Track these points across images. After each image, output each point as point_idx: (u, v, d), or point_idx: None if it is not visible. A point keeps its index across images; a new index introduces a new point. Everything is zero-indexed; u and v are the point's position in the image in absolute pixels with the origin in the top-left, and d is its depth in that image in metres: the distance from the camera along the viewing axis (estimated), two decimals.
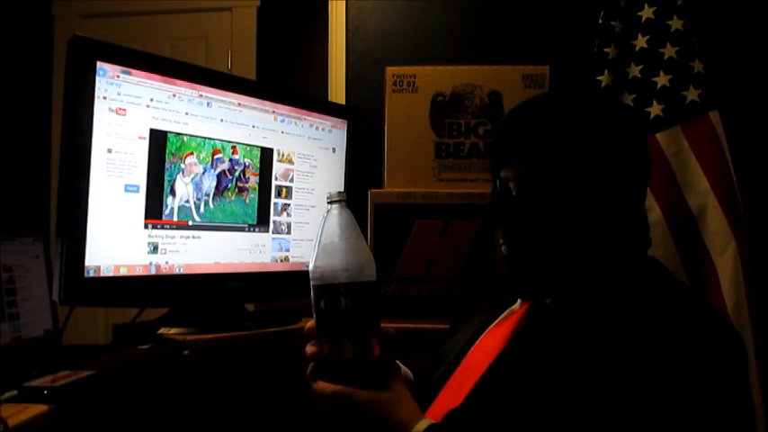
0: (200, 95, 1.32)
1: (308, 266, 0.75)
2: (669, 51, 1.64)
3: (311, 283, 0.74)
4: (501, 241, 0.83)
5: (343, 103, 2.05)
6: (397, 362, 0.86)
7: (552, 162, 0.76)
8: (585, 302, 0.74)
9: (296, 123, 1.51)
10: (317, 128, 1.57)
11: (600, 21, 1.72)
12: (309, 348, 0.75)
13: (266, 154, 1.45)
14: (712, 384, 0.63)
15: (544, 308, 0.79)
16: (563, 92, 0.89)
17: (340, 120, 1.63)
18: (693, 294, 0.78)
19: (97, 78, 1.15)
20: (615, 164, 0.76)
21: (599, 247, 0.77)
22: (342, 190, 0.75)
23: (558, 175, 0.76)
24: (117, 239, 1.19)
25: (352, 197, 1.68)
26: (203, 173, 1.32)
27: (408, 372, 0.94)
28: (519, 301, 0.87)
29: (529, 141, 0.79)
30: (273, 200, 1.47)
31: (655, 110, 1.63)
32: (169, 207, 1.27)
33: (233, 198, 1.38)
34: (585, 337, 0.68)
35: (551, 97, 0.93)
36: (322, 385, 0.71)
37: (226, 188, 1.37)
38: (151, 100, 1.24)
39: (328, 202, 0.75)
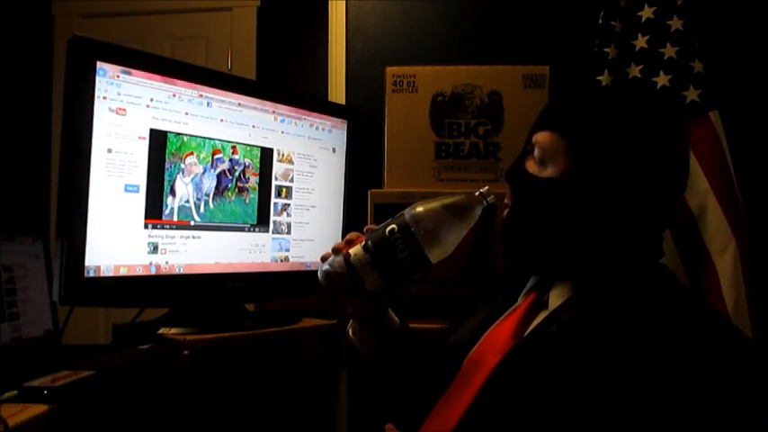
0: (200, 95, 1.32)
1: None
2: (669, 51, 1.64)
3: (405, 211, 0.80)
4: (506, 201, 0.83)
5: (343, 103, 2.05)
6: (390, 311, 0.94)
7: (583, 141, 0.75)
8: (593, 310, 0.72)
9: (296, 123, 1.51)
10: (317, 128, 1.57)
11: (600, 21, 1.71)
12: (354, 235, 0.83)
13: (266, 154, 1.45)
14: (725, 396, 0.63)
15: (552, 314, 0.77)
16: (621, 89, 0.89)
17: (340, 120, 1.63)
18: (706, 304, 0.76)
19: (97, 78, 1.15)
20: (647, 169, 0.74)
21: (601, 239, 0.76)
22: (486, 191, 0.81)
23: (583, 155, 0.75)
24: (117, 239, 1.19)
25: (352, 197, 1.70)
26: (203, 173, 1.32)
27: (396, 320, 0.96)
28: (522, 295, 0.86)
29: (569, 113, 0.79)
30: (273, 200, 1.47)
31: None
32: (169, 207, 1.27)
33: (233, 198, 1.38)
34: (595, 355, 0.67)
35: (610, 88, 0.93)
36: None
37: (226, 188, 1.37)
38: (151, 100, 1.24)
39: (477, 193, 0.80)
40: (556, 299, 0.78)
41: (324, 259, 0.84)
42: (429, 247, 0.77)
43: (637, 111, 0.78)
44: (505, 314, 0.85)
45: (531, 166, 0.81)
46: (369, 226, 0.84)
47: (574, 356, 0.68)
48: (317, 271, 0.85)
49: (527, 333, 0.77)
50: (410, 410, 0.85)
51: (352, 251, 0.80)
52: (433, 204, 0.78)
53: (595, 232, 0.76)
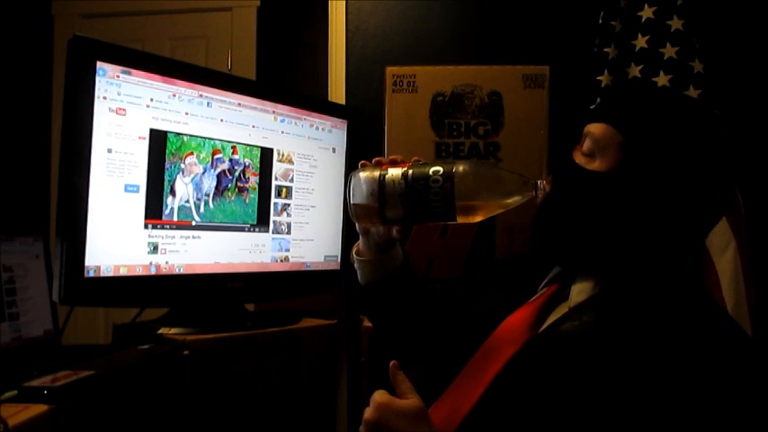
0: (201, 95, 1.32)
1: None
2: (669, 51, 1.64)
3: (457, 161, 0.79)
4: (544, 183, 0.80)
5: (343, 103, 2.05)
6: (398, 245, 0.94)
7: (642, 141, 0.73)
8: (614, 317, 0.71)
9: (296, 123, 1.51)
10: (316, 128, 1.57)
11: (600, 21, 1.72)
12: (399, 158, 0.82)
13: (266, 154, 1.45)
14: (742, 409, 0.63)
15: (572, 310, 0.76)
16: (678, 93, 0.86)
17: (340, 120, 1.63)
18: (731, 323, 0.75)
19: (97, 78, 1.15)
20: (699, 179, 0.73)
21: (637, 241, 0.74)
22: (542, 184, 0.79)
23: (638, 155, 0.73)
24: (117, 239, 1.19)
25: None
26: (203, 173, 1.32)
27: (401, 257, 0.95)
28: (542, 285, 0.85)
29: (630, 110, 0.77)
30: (273, 200, 1.47)
31: None
32: (169, 207, 1.27)
33: (233, 198, 1.38)
34: (611, 363, 0.67)
35: (668, 89, 0.91)
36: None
37: (226, 188, 1.37)
38: (151, 100, 1.24)
39: (533, 181, 0.78)
40: (577, 294, 0.77)
41: (362, 166, 0.84)
42: (461, 206, 0.76)
43: (697, 119, 0.76)
44: (525, 304, 0.84)
45: (579, 157, 0.78)
46: (416, 158, 0.83)
47: (590, 360, 0.68)
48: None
49: (544, 327, 0.77)
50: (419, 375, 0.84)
51: (391, 170, 0.79)
52: (487, 169, 0.77)
53: (632, 233, 0.74)
